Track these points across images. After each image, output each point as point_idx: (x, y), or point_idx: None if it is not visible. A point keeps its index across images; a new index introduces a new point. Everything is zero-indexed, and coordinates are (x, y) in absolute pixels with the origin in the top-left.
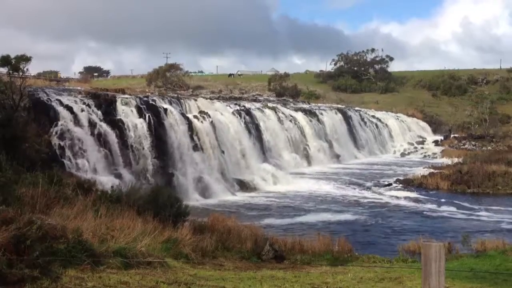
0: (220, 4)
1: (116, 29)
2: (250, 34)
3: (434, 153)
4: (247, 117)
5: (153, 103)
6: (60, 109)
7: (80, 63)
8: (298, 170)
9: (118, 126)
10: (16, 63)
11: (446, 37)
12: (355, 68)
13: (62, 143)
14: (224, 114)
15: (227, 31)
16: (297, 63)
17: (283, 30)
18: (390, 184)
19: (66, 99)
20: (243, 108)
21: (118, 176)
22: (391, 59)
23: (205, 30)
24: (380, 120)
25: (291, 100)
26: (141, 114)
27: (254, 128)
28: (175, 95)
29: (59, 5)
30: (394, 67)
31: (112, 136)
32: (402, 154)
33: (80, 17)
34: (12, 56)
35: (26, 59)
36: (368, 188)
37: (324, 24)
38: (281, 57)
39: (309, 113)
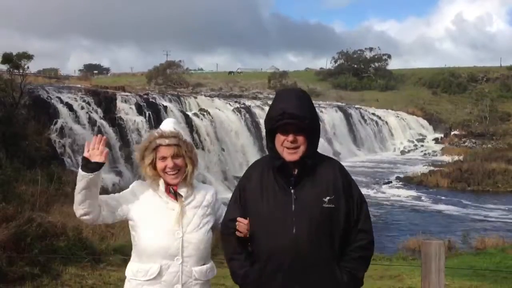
0: (211, 2)
1: (108, 27)
2: (242, 32)
3: (434, 151)
4: (247, 115)
5: (153, 100)
6: (60, 106)
7: (75, 61)
8: None
9: (118, 123)
10: (17, 61)
11: (440, 35)
12: (355, 66)
13: (62, 141)
14: (224, 111)
15: (219, 28)
16: (293, 61)
17: (275, 28)
18: (390, 182)
19: (66, 97)
20: (243, 105)
21: (118, 173)
22: (389, 56)
23: (197, 28)
24: (380, 118)
25: None
26: (141, 112)
27: (254, 126)
28: (175, 93)
29: (50, 4)
30: (390, 65)
31: (112, 134)
32: (402, 152)
33: (71, 15)
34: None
35: (27, 56)
36: (368, 186)
37: (316, 22)
38: (274, 54)
39: None
